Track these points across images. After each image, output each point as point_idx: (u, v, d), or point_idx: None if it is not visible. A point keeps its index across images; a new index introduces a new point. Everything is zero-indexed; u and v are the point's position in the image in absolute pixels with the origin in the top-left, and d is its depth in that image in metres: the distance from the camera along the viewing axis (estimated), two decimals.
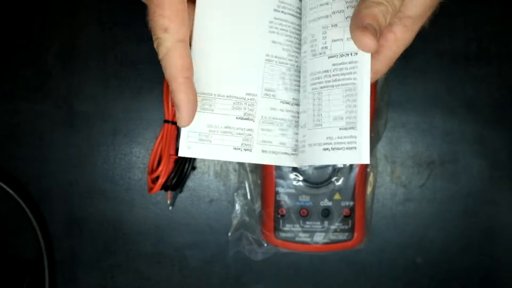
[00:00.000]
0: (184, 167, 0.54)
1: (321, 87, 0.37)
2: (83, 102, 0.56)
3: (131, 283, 0.57)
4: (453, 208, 0.57)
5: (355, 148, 0.35)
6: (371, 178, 0.55)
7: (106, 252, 0.57)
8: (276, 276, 0.57)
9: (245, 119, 0.38)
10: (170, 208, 0.56)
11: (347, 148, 0.35)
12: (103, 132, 0.56)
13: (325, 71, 0.37)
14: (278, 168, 0.51)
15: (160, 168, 0.53)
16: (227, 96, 0.37)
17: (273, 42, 0.38)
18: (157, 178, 0.53)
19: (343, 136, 0.36)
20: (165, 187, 0.53)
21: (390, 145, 0.56)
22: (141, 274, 0.57)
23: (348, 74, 0.36)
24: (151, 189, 0.53)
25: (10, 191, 0.54)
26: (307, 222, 0.52)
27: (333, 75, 0.36)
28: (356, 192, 0.52)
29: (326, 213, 0.52)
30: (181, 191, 0.56)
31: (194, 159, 0.55)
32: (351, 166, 0.51)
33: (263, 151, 0.38)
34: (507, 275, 0.57)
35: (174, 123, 0.54)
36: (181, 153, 0.36)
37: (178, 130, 0.55)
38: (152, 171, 0.54)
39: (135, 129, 0.56)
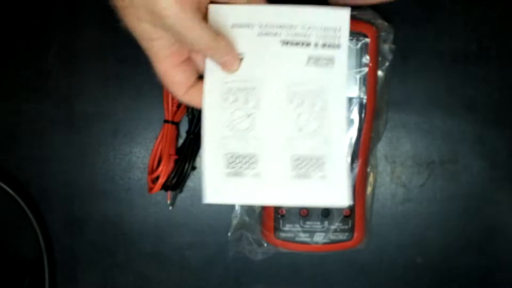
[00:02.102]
0: (184, 167, 0.54)
1: None
2: (83, 102, 0.56)
3: (131, 283, 0.57)
4: (453, 208, 0.57)
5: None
6: (371, 178, 0.55)
7: (106, 252, 0.57)
8: (276, 276, 0.57)
9: None
10: (170, 208, 0.56)
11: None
12: (103, 132, 0.56)
13: None
14: None
15: (160, 168, 0.53)
16: None
17: None
18: (157, 178, 0.53)
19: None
20: (165, 187, 0.53)
21: (390, 145, 0.56)
22: (141, 274, 0.57)
23: None
24: (151, 189, 0.53)
25: (10, 191, 0.54)
26: (307, 222, 0.52)
27: None
28: (356, 192, 0.52)
29: (326, 213, 0.52)
30: (181, 191, 0.56)
31: (194, 158, 0.55)
32: (351, 166, 0.51)
33: None
34: (507, 275, 0.57)
35: (174, 123, 0.54)
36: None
37: (178, 130, 0.55)
38: (152, 171, 0.54)
39: (135, 129, 0.56)
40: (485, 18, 0.56)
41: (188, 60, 0.44)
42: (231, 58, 0.43)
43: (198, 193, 0.57)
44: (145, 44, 0.41)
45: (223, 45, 0.42)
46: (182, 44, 0.42)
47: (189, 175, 0.55)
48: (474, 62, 0.56)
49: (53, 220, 0.56)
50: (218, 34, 0.41)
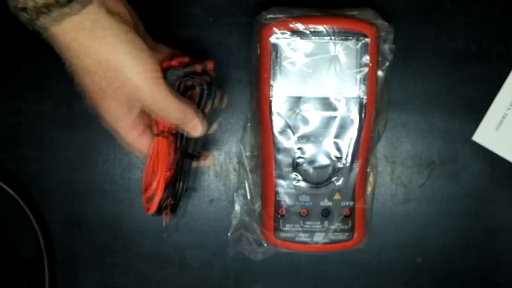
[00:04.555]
0: (176, 186, 0.48)
1: None
2: (83, 102, 0.56)
3: (131, 283, 0.57)
4: (453, 208, 0.57)
5: None
6: (371, 178, 0.55)
7: (106, 252, 0.57)
8: (276, 276, 0.57)
9: None
10: (165, 235, 0.53)
11: None
12: (103, 132, 0.56)
13: None
14: (278, 168, 0.51)
15: (154, 185, 0.48)
16: None
17: None
18: (154, 196, 0.48)
19: None
20: (159, 209, 0.48)
21: (390, 145, 0.56)
22: (141, 274, 0.57)
23: None
24: (147, 209, 0.48)
25: (10, 191, 0.54)
26: (307, 222, 0.52)
27: None
28: (356, 192, 0.52)
29: (326, 213, 0.52)
30: (183, 215, 0.52)
31: (187, 177, 0.49)
32: (351, 166, 0.51)
33: None
34: (507, 275, 0.57)
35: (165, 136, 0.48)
36: None
37: (174, 142, 0.48)
38: (147, 189, 0.49)
39: None
40: (485, 18, 0.56)
41: (147, 127, 0.47)
42: (197, 122, 0.46)
43: (198, 193, 0.57)
44: (111, 123, 0.45)
45: (190, 111, 0.45)
46: (154, 116, 0.46)
47: (182, 195, 0.49)
48: (474, 62, 0.56)
49: (53, 220, 0.56)
50: (184, 102, 0.44)
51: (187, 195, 0.50)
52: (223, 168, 0.57)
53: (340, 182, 0.51)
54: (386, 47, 0.51)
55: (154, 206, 0.48)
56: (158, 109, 0.44)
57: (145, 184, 0.49)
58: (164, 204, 0.48)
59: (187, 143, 0.48)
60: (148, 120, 0.47)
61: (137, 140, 0.46)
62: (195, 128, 0.46)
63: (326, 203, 0.52)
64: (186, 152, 0.48)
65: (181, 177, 0.48)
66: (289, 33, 0.49)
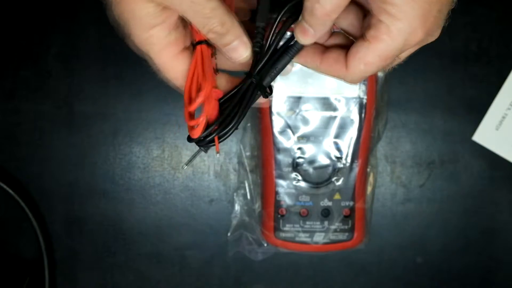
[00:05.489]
0: (233, 110, 0.36)
1: None
2: (83, 102, 0.56)
3: (131, 283, 0.57)
4: (453, 208, 0.57)
5: None
6: (371, 178, 0.55)
7: (106, 252, 0.57)
8: (276, 276, 0.57)
9: None
10: (218, 155, 0.46)
11: None
12: (103, 132, 0.56)
13: None
14: (278, 168, 0.51)
15: (200, 97, 0.35)
16: None
17: None
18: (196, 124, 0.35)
19: None
20: (207, 135, 0.35)
21: (390, 145, 0.56)
22: (141, 274, 0.57)
23: None
24: (191, 128, 0.35)
25: (10, 191, 0.54)
26: (307, 222, 0.52)
27: None
28: (356, 192, 0.52)
29: (326, 213, 0.52)
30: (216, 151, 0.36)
31: (246, 109, 0.36)
32: (351, 166, 0.51)
33: None
34: (507, 275, 0.57)
35: (210, 44, 0.36)
36: None
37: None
38: (190, 102, 0.35)
39: (135, 129, 0.56)
40: (485, 18, 0.56)
41: (187, 49, 0.37)
42: (241, 42, 0.36)
43: (198, 192, 0.57)
44: (143, 35, 0.36)
45: (236, 24, 0.35)
46: (190, 21, 0.35)
47: (233, 126, 0.36)
48: (474, 62, 0.56)
49: (53, 220, 0.56)
50: (231, 13, 0.35)
51: (232, 130, 0.36)
52: (223, 168, 0.57)
53: (340, 182, 0.51)
54: None
55: (200, 127, 0.35)
56: (191, 11, 0.34)
57: (187, 95, 0.36)
58: (215, 128, 0.36)
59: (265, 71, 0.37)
60: (185, 42, 0.37)
61: (171, 61, 0.36)
62: (236, 50, 0.36)
63: (326, 203, 0.52)
64: (259, 81, 0.37)
65: (241, 104, 0.36)
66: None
